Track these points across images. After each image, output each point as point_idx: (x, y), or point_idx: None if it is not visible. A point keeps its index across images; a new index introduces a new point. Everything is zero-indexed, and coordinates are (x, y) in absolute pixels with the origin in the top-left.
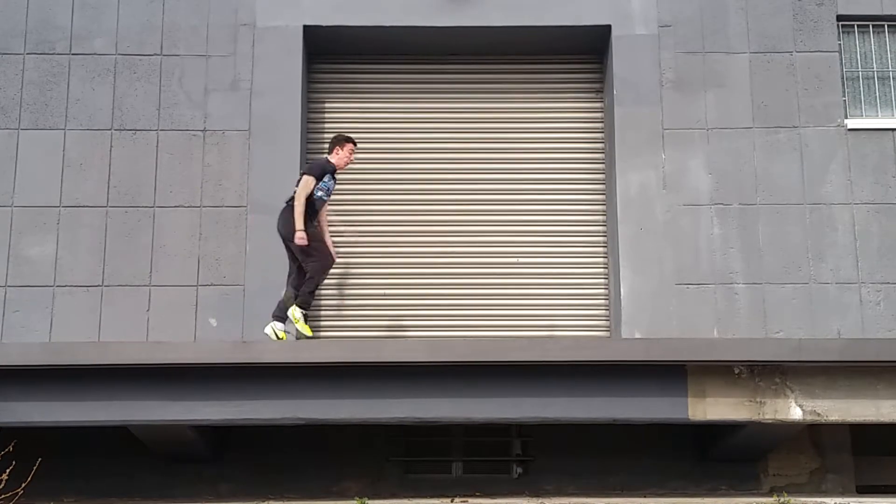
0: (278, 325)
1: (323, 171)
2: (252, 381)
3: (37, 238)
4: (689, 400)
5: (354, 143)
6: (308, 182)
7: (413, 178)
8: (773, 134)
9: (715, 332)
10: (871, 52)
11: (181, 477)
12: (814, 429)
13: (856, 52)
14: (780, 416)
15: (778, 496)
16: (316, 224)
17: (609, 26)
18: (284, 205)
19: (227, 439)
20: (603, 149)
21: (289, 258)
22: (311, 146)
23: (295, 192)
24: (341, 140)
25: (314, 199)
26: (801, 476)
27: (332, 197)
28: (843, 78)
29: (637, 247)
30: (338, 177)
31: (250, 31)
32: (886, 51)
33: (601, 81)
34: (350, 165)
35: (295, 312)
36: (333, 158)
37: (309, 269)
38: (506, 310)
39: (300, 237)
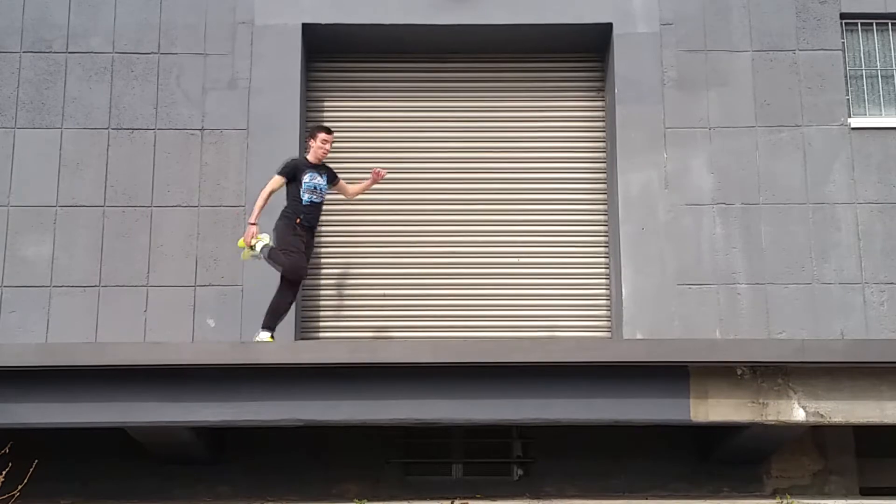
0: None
1: (295, 168)
2: (251, 382)
3: (33, 238)
4: (691, 401)
5: (328, 131)
6: (274, 180)
7: (413, 177)
8: (775, 133)
9: (717, 333)
10: (875, 50)
11: (179, 479)
12: (817, 430)
13: (859, 50)
14: (783, 418)
15: (781, 498)
16: (300, 234)
17: (610, 24)
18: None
19: (225, 441)
20: (604, 148)
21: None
22: None
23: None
24: (312, 132)
25: (302, 204)
26: (805, 478)
27: (332, 197)
28: (846, 76)
29: (639, 247)
30: (340, 175)
31: (248, 29)
32: (890, 49)
33: (602, 80)
34: (349, 165)
35: (259, 336)
36: (309, 154)
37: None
38: (507, 310)
39: (249, 232)
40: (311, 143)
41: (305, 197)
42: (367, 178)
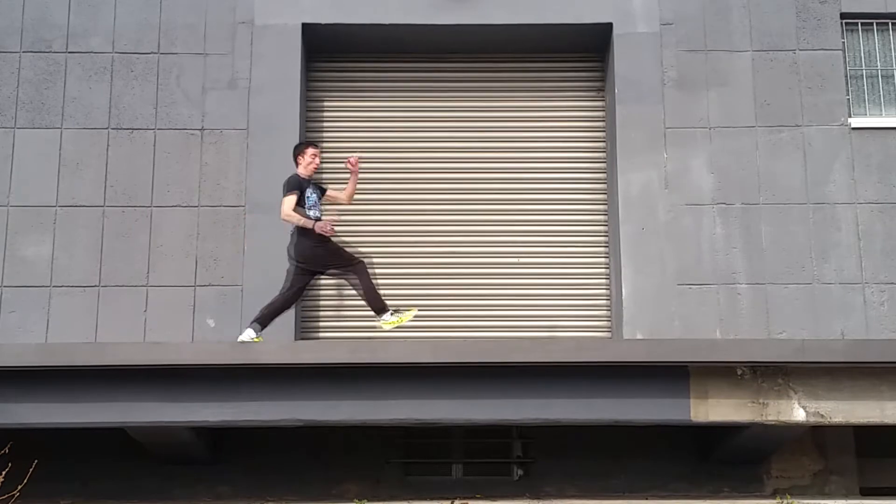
0: (251, 332)
1: (299, 186)
2: (251, 382)
3: (33, 238)
4: (692, 401)
5: (315, 146)
6: (287, 201)
7: (413, 177)
8: (776, 133)
9: (717, 333)
10: (875, 50)
11: (179, 479)
12: (817, 430)
13: (859, 50)
14: (783, 418)
15: (781, 498)
16: (323, 241)
17: (610, 24)
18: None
19: (225, 441)
20: (604, 148)
21: (297, 280)
22: None
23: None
24: (299, 148)
25: (312, 218)
26: (805, 478)
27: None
28: (846, 76)
29: (639, 247)
30: (337, 177)
31: (248, 29)
32: (890, 49)
33: (602, 80)
34: (349, 165)
35: (386, 317)
36: (300, 170)
37: (357, 270)
38: (507, 310)
39: (321, 226)
40: (300, 159)
41: (311, 213)
42: (351, 179)
